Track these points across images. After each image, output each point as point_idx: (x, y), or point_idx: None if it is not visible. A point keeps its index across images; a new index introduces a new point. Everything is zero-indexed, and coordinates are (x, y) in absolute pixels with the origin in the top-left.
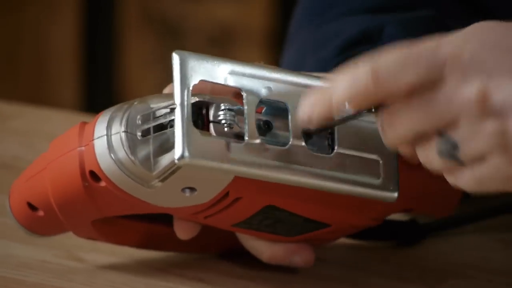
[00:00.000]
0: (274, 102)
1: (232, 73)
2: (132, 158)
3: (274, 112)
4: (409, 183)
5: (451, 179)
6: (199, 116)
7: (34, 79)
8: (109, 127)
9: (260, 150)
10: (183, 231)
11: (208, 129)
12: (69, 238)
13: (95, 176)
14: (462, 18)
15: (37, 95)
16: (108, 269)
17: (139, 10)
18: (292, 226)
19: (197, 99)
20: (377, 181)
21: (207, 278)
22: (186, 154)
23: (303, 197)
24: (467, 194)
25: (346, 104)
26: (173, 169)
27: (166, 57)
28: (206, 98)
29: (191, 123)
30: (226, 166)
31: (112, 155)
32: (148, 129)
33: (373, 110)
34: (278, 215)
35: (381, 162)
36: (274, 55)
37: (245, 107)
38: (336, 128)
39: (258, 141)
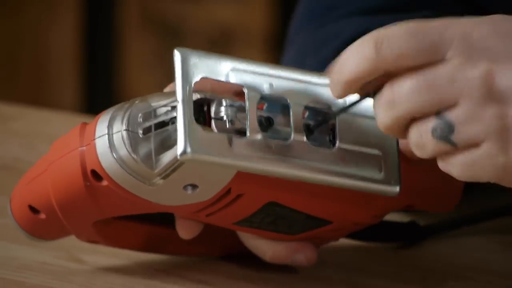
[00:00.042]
0: (275, 99)
1: (234, 69)
2: (134, 156)
3: (275, 108)
4: (410, 178)
5: (441, 164)
6: (200, 113)
7: (34, 80)
8: (110, 126)
9: (262, 145)
10: (185, 230)
11: (210, 126)
12: (69, 240)
13: (96, 175)
14: None
15: (37, 96)
16: (108, 270)
17: (139, 11)
18: (294, 224)
19: (199, 96)
20: (378, 175)
21: (207, 280)
22: (189, 149)
23: (304, 192)
24: (467, 192)
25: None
26: (175, 165)
27: (166, 58)
28: (208, 95)
29: (193, 119)
30: (228, 160)
31: (113, 153)
32: (150, 127)
33: (371, 95)
34: (280, 212)
35: (382, 156)
36: (274, 57)
37: (247, 103)
38: (337, 123)
39: (259, 136)
